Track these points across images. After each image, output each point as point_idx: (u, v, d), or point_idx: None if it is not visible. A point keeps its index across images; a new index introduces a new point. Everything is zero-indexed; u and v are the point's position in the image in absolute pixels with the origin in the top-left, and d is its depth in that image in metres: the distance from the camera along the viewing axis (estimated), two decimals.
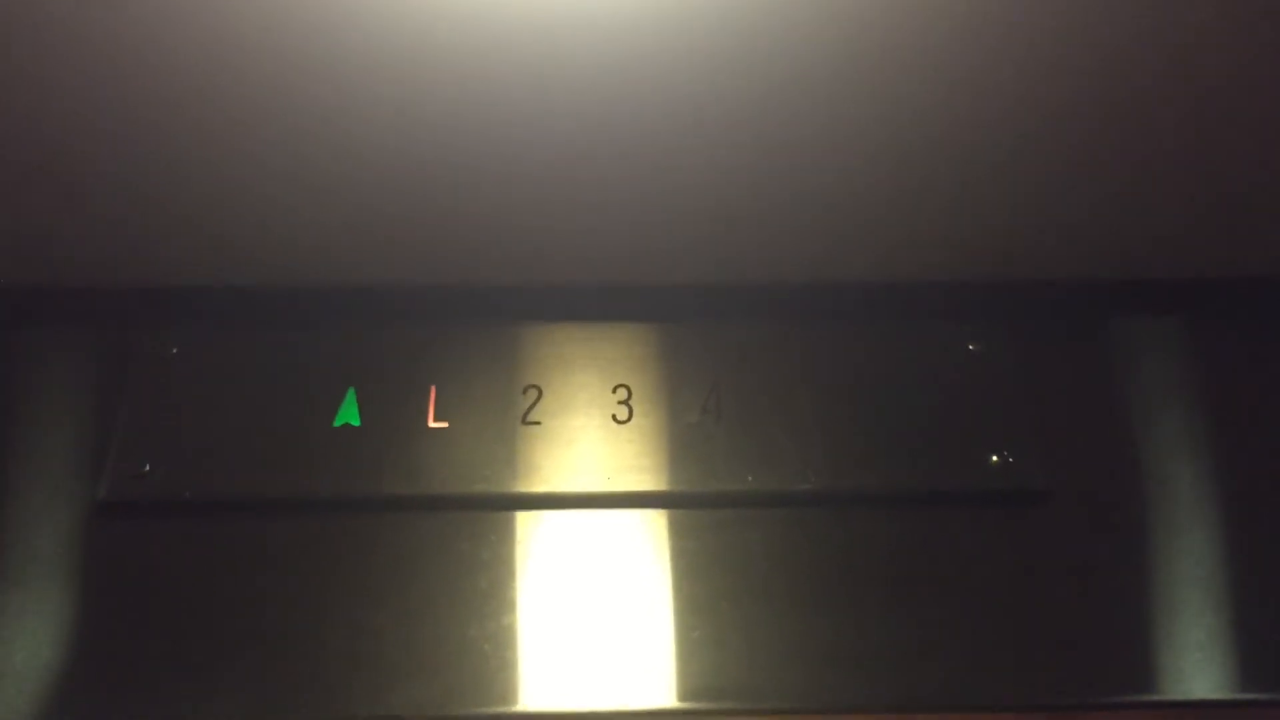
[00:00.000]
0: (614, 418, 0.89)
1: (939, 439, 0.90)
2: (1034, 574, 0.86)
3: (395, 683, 0.80)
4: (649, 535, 0.87)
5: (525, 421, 0.89)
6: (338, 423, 0.88)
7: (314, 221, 0.89)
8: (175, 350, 0.91)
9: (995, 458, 0.89)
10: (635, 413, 0.90)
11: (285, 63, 0.76)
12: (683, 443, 0.89)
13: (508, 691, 0.80)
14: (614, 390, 0.91)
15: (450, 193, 0.87)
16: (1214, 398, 0.94)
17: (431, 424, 0.88)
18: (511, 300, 0.96)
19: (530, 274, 0.95)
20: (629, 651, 0.82)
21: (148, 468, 0.86)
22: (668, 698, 0.80)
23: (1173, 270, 0.97)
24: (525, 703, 0.80)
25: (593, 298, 0.96)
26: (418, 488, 0.86)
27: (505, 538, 0.86)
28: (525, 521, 0.87)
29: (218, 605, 0.83)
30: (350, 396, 0.89)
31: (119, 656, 0.80)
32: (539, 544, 0.86)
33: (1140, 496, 0.89)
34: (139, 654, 0.80)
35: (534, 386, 0.90)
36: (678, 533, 0.87)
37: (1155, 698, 0.82)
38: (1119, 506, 0.89)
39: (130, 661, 0.80)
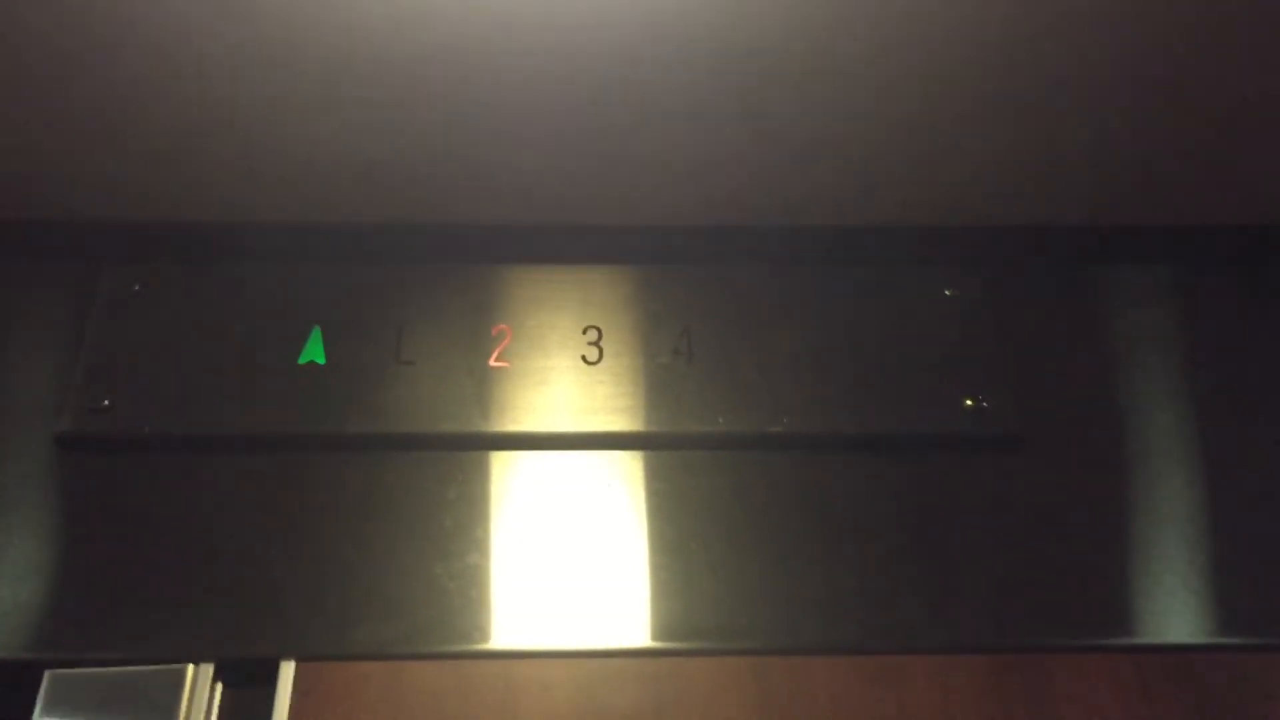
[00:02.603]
0: (584, 359, 0.88)
1: (913, 383, 0.89)
2: (1007, 518, 0.85)
3: (357, 620, 0.79)
4: (618, 476, 0.86)
5: (494, 361, 0.88)
6: (303, 360, 0.87)
7: (282, 158, 0.88)
8: (138, 286, 0.90)
9: (970, 402, 0.88)
10: (606, 354, 0.89)
11: (261, 6, 0.74)
12: (654, 384, 0.88)
13: (472, 630, 0.79)
14: (584, 331, 0.90)
15: (421, 130, 0.85)
16: (1191, 344, 0.94)
17: (399, 362, 0.87)
18: (481, 240, 0.95)
19: (500, 213, 0.94)
20: (596, 592, 0.81)
21: (108, 402, 0.85)
22: (635, 638, 0.79)
23: (1152, 216, 0.97)
24: (489, 642, 0.79)
25: (563, 238, 0.95)
26: (384, 426, 0.85)
27: (472, 477, 0.85)
28: (493, 461, 0.86)
29: (178, 541, 0.81)
30: (315, 334, 0.88)
31: (75, 591, 0.79)
32: (506, 484, 0.85)
33: (1115, 442, 0.89)
34: (95, 589, 0.79)
35: (503, 326, 0.89)
36: (648, 474, 0.86)
37: (1130, 642, 0.81)
38: (1094, 451, 0.88)
39: (86, 597, 0.79)
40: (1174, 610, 0.82)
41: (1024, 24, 0.78)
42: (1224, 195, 0.95)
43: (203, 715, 0.76)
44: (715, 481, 0.85)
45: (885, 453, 0.87)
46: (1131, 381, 0.91)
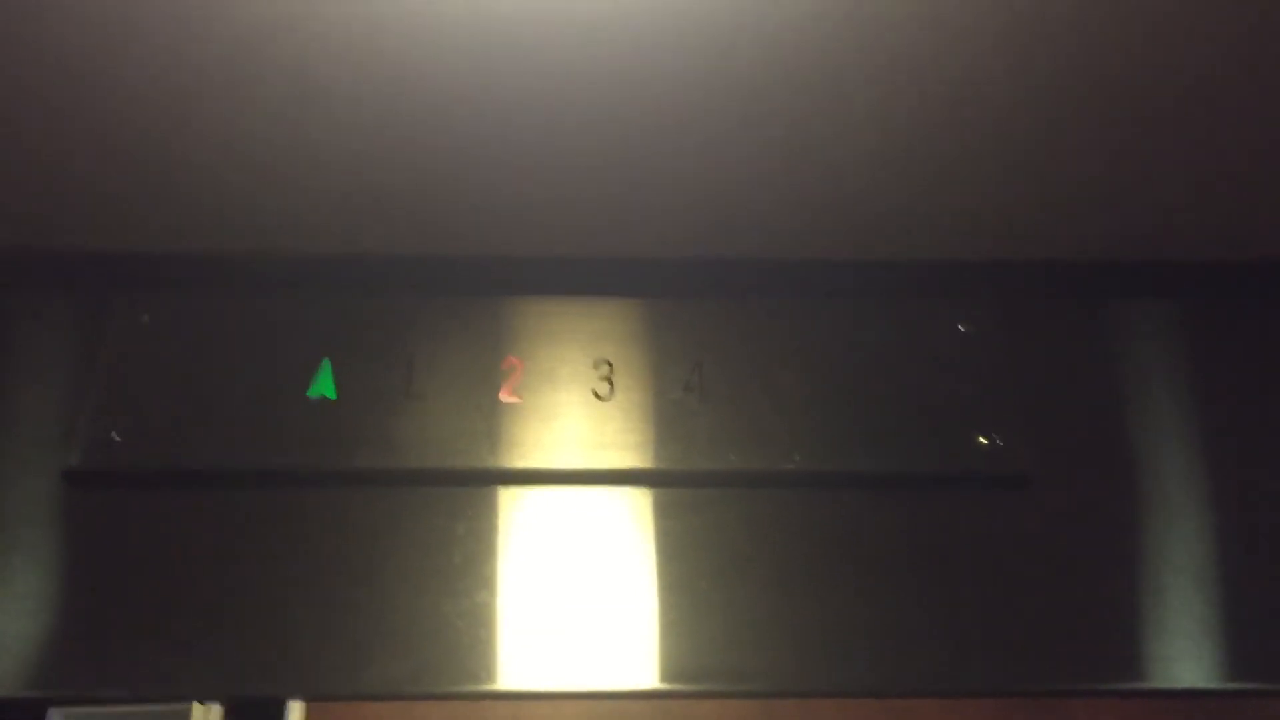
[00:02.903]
0: (595, 393, 0.88)
1: (926, 420, 0.88)
2: (1021, 558, 0.84)
3: (365, 659, 0.78)
4: (629, 513, 0.85)
5: (504, 395, 0.87)
6: (312, 394, 0.86)
7: (293, 189, 0.87)
8: (148, 318, 0.89)
9: (983, 439, 0.87)
10: (617, 388, 0.88)
11: (269, 33, 0.74)
12: (665, 420, 0.87)
13: (481, 670, 0.78)
14: (595, 365, 0.89)
15: (430, 162, 0.85)
16: (1206, 382, 0.93)
17: (409, 396, 0.87)
18: (492, 272, 0.94)
19: (511, 245, 0.93)
20: (606, 631, 0.80)
21: (117, 436, 0.84)
22: (645, 679, 0.79)
23: (1166, 252, 0.96)
24: (499, 682, 0.78)
25: (575, 270, 0.94)
26: (393, 461, 0.84)
27: (482, 513, 0.84)
28: (502, 497, 0.85)
29: (187, 578, 0.81)
30: (325, 367, 0.87)
31: (80, 627, 0.79)
32: (516, 520, 0.84)
33: (1130, 481, 0.88)
34: (101, 625, 0.79)
35: (514, 360, 0.88)
36: (658, 511, 0.85)
37: (1142, 686, 0.80)
38: (1108, 491, 0.87)
39: (91, 633, 0.78)
40: (1188, 654, 0.81)
41: (1039, 59, 0.77)
42: (1240, 231, 0.94)
43: None
44: (726, 519, 0.85)
45: (897, 490, 0.86)
46: (1147, 419, 0.91)
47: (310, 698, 0.77)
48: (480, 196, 0.88)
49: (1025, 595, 0.83)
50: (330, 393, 0.86)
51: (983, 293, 0.94)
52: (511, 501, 0.85)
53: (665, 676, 0.79)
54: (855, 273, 0.95)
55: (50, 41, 0.74)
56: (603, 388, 0.88)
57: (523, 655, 0.79)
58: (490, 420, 0.86)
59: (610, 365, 0.89)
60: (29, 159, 0.84)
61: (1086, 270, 0.97)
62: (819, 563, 0.83)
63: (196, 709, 0.76)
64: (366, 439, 0.85)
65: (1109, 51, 0.77)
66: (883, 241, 0.94)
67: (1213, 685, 0.80)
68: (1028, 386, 0.91)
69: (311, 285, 0.93)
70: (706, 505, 0.85)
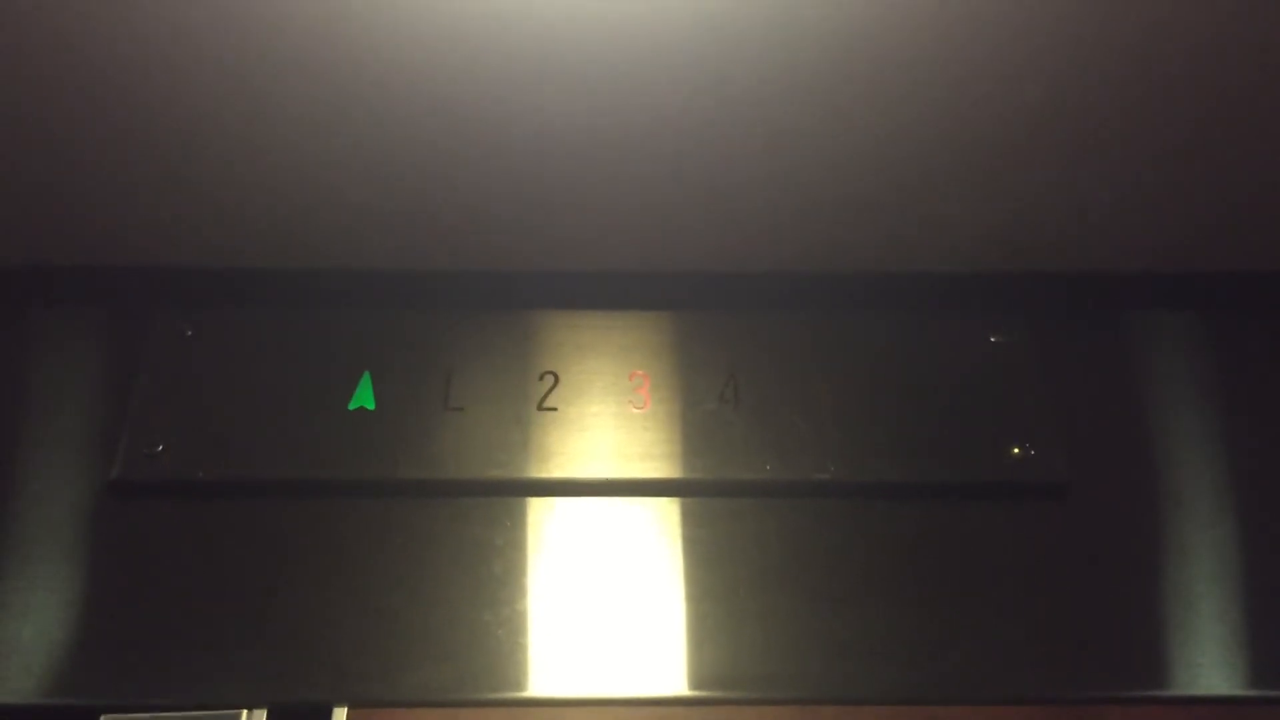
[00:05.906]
0: (631, 404, 0.89)
1: (960, 430, 0.88)
2: (1054, 567, 0.85)
3: (407, 666, 0.79)
4: (665, 523, 0.86)
5: (541, 407, 0.88)
6: (353, 406, 0.88)
7: (332, 205, 0.89)
8: (190, 332, 0.91)
9: (1017, 450, 0.87)
10: (652, 400, 0.89)
11: (305, 47, 0.75)
12: (700, 431, 0.88)
13: (520, 677, 0.79)
14: (631, 377, 0.90)
15: (469, 178, 0.86)
16: (1238, 392, 0.93)
17: (447, 409, 0.88)
18: (529, 286, 0.95)
19: (548, 260, 0.95)
20: (643, 639, 0.81)
21: (161, 448, 0.85)
22: (682, 686, 0.79)
23: (1197, 264, 0.96)
24: (538, 689, 0.79)
25: (610, 285, 0.95)
26: (432, 472, 0.86)
27: (520, 523, 0.85)
28: (540, 507, 0.86)
29: (229, 587, 0.82)
30: (365, 380, 0.88)
31: (128, 635, 0.80)
32: (553, 530, 0.85)
33: (1163, 490, 0.88)
34: (148, 633, 0.80)
35: (550, 373, 0.89)
36: (694, 521, 0.86)
37: (1176, 693, 0.80)
38: (1141, 500, 0.88)
39: (139, 641, 0.79)
40: (1224, 662, 0.81)
41: (1066, 75, 0.78)
42: (1273, 243, 0.94)
43: None
44: (762, 528, 0.85)
45: (931, 500, 0.87)
46: (1179, 429, 0.91)
47: (352, 704, 0.78)
48: (518, 213, 0.90)
49: (1061, 603, 0.83)
50: (370, 405, 0.88)
51: (1015, 305, 0.95)
52: (549, 512, 0.86)
53: (703, 684, 0.79)
54: (888, 286, 0.96)
55: (90, 63, 0.76)
56: (638, 399, 0.89)
57: (562, 663, 0.80)
58: (527, 432, 0.87)
59: (645, 377, 0.90)
60: (74, 178, 0.86)
61: (1117, 281, 0.98)
62: (855, 571, 0.84)
63: (242, 716, 0.77)
64: (406, 451, 0.86)
65: (1141, 68, 0.78)
66: (915, 255, 0.95)
67: (1248, 693, 0.80)
68: (1060, 398, 0.91)
69: (351, 300, 0.95)
70: (742, 515, 0.86)
